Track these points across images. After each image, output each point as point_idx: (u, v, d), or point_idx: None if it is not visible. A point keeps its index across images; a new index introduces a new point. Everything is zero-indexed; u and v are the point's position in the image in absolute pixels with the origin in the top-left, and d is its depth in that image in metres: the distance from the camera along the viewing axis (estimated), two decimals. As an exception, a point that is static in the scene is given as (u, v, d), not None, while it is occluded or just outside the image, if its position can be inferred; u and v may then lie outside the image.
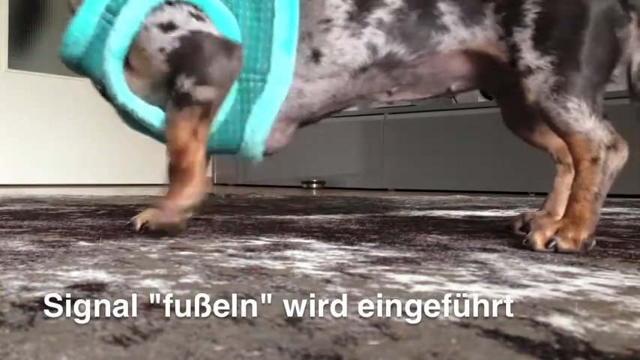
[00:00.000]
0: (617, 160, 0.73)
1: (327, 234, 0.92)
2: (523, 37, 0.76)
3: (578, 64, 0.73)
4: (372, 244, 0.80)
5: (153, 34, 0.83)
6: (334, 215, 1.33)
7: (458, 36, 0.82)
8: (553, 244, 0.71)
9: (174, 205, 0.83)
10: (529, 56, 0.75)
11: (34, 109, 3.43)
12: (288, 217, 1.26)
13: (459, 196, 2.34)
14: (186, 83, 0.81)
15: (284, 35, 0.85)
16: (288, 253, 0.71)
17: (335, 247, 0.77)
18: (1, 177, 3.40)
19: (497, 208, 1.65)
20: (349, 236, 0.89)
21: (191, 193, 0.83)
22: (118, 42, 0.83)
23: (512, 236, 0.92)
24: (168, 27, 0.82)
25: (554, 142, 0.89)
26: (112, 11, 0.83)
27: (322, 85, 0.87)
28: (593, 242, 0.73)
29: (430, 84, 0.88)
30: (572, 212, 0.74)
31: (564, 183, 0.86)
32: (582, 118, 0.72)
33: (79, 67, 0.88)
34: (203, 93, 0.81)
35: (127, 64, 0.85)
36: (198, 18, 0.83)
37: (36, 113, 3.44)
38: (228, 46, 0.82)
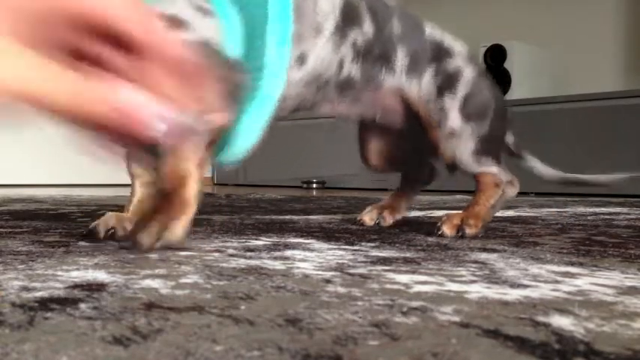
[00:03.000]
0: (512, 190, 0.99)
1: (327, 234, 0.92)
2: (453, 105, 0.93)
3: (488, 132, 0.95)
4: (372, 244, 0.80)
5: None
6: (334, 215, 1.33)
7: (399, 81, 0.92)
8: (462, 231, 0.90)
9: (153, 240, 0.69)
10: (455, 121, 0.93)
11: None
12: (288, 217, 1.26)
13: (459, 196, 2.34)
14: None
15: (280, 33, 0.77)
16: (288, 253, 0.71)
17: (335, 247, 0.77)
18: (1, 177, 3.40)
19: (497, 208, 1.64)
20: (349, 236, 0.89)
21: (180, 228, 0.70)
22: None
23: (513, 236, 0.92)
24: (175, 22, 0.67)
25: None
26: None
27: (294, 92, 0.81)
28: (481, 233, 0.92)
29: (364, 107, 0.95)
30: (473, 210, 0.95)
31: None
32: (490, 166, 0.97)
33: None
34: (212, 120, 0.70)
35: None
36: (206, 13, 0.70)
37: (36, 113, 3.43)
38: (229, 61, 0.70)
